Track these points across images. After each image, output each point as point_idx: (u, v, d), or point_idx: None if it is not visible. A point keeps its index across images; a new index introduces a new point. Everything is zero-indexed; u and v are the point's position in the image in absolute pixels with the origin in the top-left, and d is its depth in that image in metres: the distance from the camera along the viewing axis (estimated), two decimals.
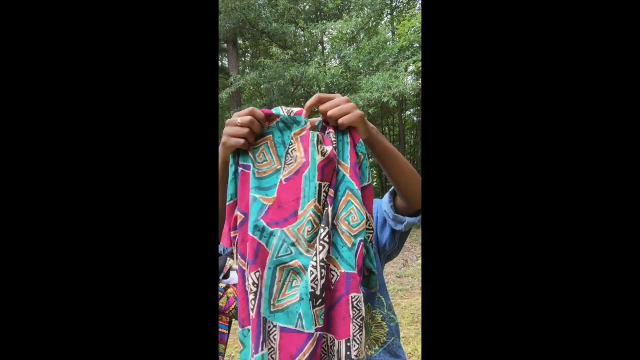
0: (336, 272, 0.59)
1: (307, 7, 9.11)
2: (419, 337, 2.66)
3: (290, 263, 0.60)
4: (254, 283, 0.59)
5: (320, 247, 0.59)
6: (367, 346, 0.60)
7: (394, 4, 8.94)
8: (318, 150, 0.61)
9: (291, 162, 0.63)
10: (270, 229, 0.61)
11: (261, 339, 0.58)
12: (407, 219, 0.74)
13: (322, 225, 0.60)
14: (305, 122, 0.64)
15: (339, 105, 0.61)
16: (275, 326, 0.58)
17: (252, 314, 0.58)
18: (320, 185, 0.61)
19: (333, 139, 0.62)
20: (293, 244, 0.61)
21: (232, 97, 7.93)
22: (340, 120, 0.61)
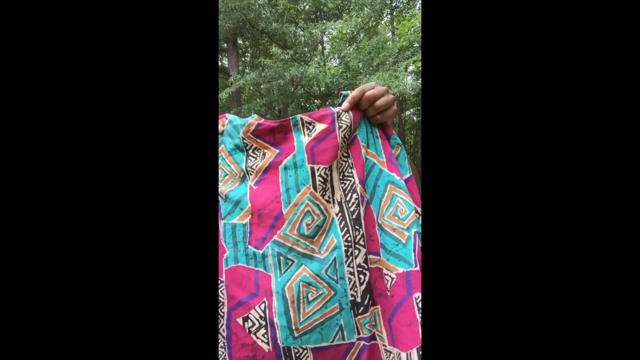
0: (391, 276, 0.52)
1: (307, 7, 9.11)
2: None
3: (297, 273, 0.52)
4: (261, 317, 0.52)
5: (357, 252, 0.52)
6: None
7: (394, 4, 8.94)
8: (303, 133, 0.55)
9: (257, 163, 0.56)
10: (261, 252, 0.54)
11: None
12: None
13: (356, 227, 0.53)
14: (253, 117, 0.58)
15: (384, 96, 0.56)
16: (305, 349, 0.51)
17: (269, 347, 0.51)
18: (313, 168, 0.54)
19: (339, 117, 0.55)
20: (290, 249, 0.53)
21: (232, 97, 7.94)
22: (379, 117, 0.56)
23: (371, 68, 6.76)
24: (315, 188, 0.54)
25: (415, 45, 6.60)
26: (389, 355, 0.51)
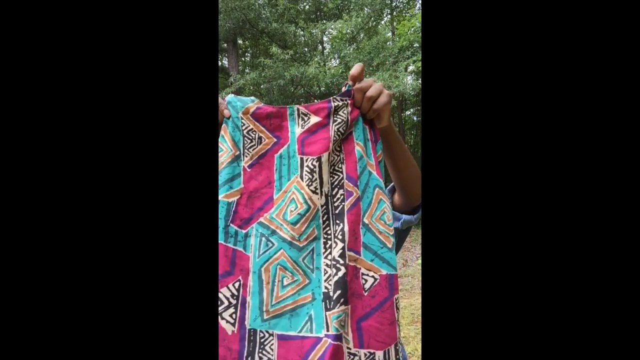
0: (373, 276, 0.53)
1: (307, 7, 9.11)
2: (419, 337, 2.66)
3: (275, 256, 0.53)
4: (232, 295, 0.52)
5: (334, 245, 0.53)
6: None
7: (394, 4, 8.94)
8: (298, 123, 0.56)
9: (253, 145, 0.57)
10: (244, 231, 0.55)
11: (245, 354, 0.50)
12: (404, 217, 0.74)
13: (337, 221, 0.54)
14: (253, 101, 0.59)
15: (373, 85, 0.57)
16: (271, 335, 0.51)
17: (234, 328, 0.51)
18: (302, 159, 0.55)
19: (336, 111, 0.56)
20: (273, 233, 0.54)
21: None
22: (375, 106, 0.56)
23: (371, 68, 6.76)
24: (301, 178, 0.55)
25: (415, 45, 6.60)
26: (353, 358, 0.51)
